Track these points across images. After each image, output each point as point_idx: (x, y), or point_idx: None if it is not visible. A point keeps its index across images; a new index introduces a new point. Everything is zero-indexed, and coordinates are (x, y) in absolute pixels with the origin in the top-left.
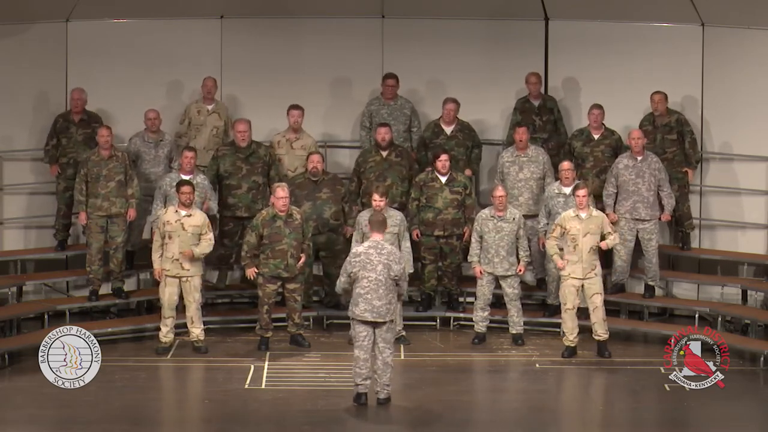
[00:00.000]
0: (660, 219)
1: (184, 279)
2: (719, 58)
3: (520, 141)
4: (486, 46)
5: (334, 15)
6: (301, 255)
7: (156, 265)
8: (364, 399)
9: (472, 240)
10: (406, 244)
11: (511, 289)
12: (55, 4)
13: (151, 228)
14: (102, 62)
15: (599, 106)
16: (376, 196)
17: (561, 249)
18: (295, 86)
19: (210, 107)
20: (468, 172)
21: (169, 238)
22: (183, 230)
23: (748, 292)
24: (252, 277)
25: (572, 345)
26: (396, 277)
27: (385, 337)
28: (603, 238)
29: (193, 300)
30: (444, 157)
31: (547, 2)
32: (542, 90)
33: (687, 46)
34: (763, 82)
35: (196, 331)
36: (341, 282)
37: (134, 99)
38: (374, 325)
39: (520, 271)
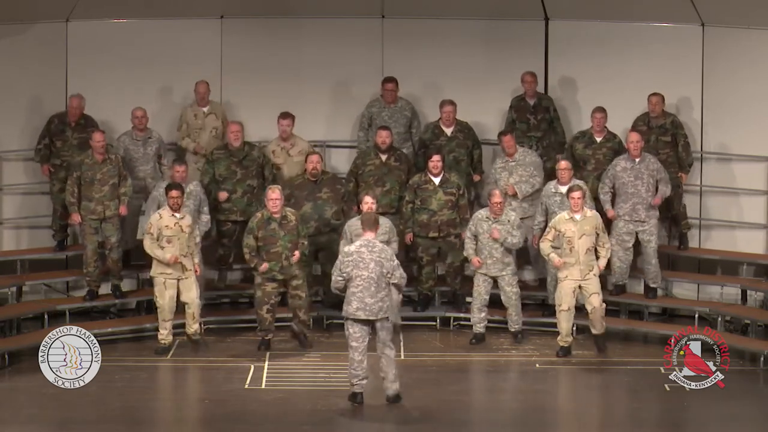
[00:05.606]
0: (655, 211)
1: (182, 278)
2: (719, 58)
3: (509, 148)
4: (486, 46)
5: (334, 15)
6: (296, 252)
7: (167, 255)
8: (360, 398)
9: (466, 238)
10: (393, 249)
11: (509, 288)
12: (55, 4)
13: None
14: (102, 62)
15: (602, 110)
16: (368, 199)
17: (556, 247)
18: (294, 86)
19: (205, 109)
20: (476, 177)
21: (168, 242)
22: (182, 232)
23: (748, 292)
24: (266, 269)
25: (566, 345)
26: (388, 275)
27: (382, 337)
28: (597, 237)
29: (194, 296)
30: (436, 158)
31: (547, 2)
32: (538, 89)
33: (687, 46)
34: (763, 82)
35: (195, 326)
36: (334, 281)
37: (134, 99)
38: (368, 323)
39: (495, 235)
